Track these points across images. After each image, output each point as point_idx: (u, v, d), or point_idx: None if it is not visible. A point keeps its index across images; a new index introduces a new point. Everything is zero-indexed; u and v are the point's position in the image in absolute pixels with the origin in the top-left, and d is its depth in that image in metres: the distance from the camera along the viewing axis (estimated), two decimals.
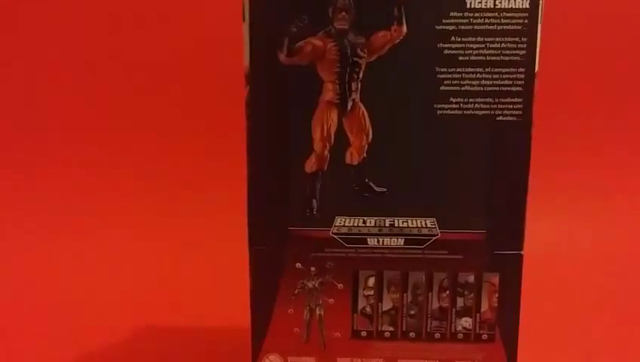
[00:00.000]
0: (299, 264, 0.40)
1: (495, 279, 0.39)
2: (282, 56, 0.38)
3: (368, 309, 0.40)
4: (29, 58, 0.76)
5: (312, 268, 0.40)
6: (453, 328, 0.40)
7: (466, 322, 0.40)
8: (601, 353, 0.52)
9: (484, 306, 0.40)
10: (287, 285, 0.40)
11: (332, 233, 0.39)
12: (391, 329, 0.40)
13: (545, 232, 0.73)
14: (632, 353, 0.53)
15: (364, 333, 0.41)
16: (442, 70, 0.37)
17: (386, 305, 0.40)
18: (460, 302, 0.40)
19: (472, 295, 0.40)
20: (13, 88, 0.77)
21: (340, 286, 0.40)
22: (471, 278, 0.40)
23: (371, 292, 0.40)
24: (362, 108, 0.38)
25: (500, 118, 0.38)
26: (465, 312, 0.40)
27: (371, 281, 0.40)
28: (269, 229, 0.40)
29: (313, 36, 0.38)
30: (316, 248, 0.40)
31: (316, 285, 0.40)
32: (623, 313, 0.61)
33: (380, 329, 0.41)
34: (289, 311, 0.41)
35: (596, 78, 0.78)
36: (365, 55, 0.38)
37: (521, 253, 0.39)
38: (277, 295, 0.41)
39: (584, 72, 0.78)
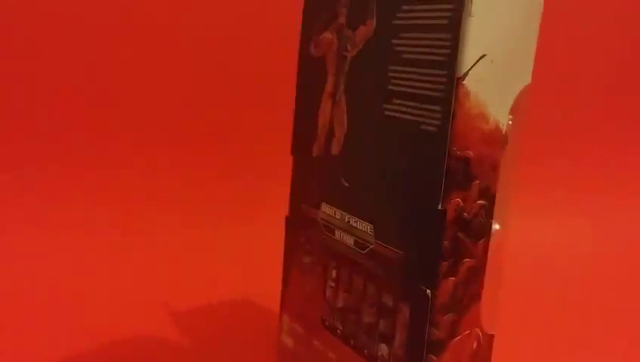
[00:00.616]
0: (302, 239, 0.44)
1: (406, 311, 0.34)
2: (312, 49, 0.42)
3: (331, 301, 0.41)
4: (38, 59, 0.75)
5: (307, 246, 0.43)
6: (375, 351, 0.36)
7: (384, 349, 0.36)
8: (599, 352, 0.52)
9: (398, 339, 0.35)
10: (296, 256, 0.44)
11: (319, 218, 0.41)
12: (341, 327, 0.40)
13: (544, 231, 0.73)
14: (631, 352, 0.51)
15: (327, 323, 0.41)
16: (392, 68, 0.35)
17: (340, 301, 0.40)
18: (382, 324, 0.36)
19: (389, 321, 0.35)
20: (22, 89, 0.76)
21: (319, 269, 0.42)
22: (390, 302, 0.35)
23: (333, 284, 0.40)
24: (344, 101, 0.39)
25: (423, 126, 0.32)
26: (383, 338, 0.36)
27: (334, 273, 0.40)
28: (293, 206, 0.45)
29: (327, 30, 0.40)
30: (311, 227, 0.42)
31: (308, 262, 0.43)
32: (622, 312, 0.59)
33: (333, 323, 0.40)
34: (297, 279, 0.45)
35: (602, 78, 0.76)
36: (350, 49, 0.38)
37: (427, 292, 0.32)
38: (292, 263, 0.45)
39: (591, 70, 0.76)
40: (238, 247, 0.71)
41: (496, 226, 0.35)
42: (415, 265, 0.33)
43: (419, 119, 0.32)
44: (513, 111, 0.33)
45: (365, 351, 0.37)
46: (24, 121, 0.74)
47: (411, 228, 0.33)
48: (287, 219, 0.45)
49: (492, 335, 0.37)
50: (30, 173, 0.75)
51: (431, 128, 0.32)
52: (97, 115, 0.75)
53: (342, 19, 0.39)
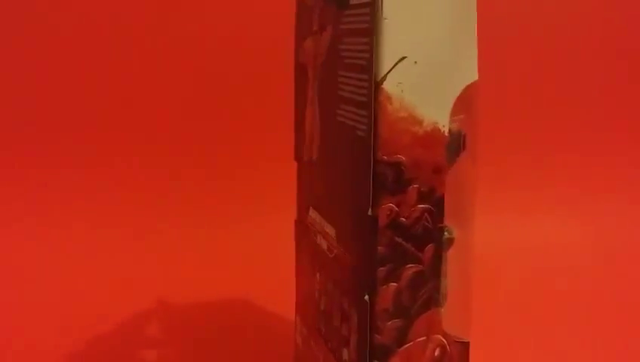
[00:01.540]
0: (302, 242, 0.45)
1: (355, 317, 0.34)
2: (299, 56, 0.43)
3: (317, 303, 0.41)
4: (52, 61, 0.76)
5: (305, 249, 0.44)
6: (341, 354, 0.37)
7: (346, 354, 0.36)
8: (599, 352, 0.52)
9: (352, 343, 0.35)
10: (299, 259, 0.46)
11: (309, 222, 0.42)
12: (323, 329, 0.40)
13: (542, 231, 0.73)
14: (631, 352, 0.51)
15: (316, 325, 0.42)
16: (339, 73, 0.35)
17: (322, 304, 0.40)
18: (343, 329, 0.36)
19: (346, 326, 0.35)
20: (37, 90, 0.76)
21: (311, 272, 0.42)
22: (347, 307, 0.35)
23: (318, 287, 0.41)
24: (317, 106, 0.39)
25: (358, 132, 0.32)
26: (345, 342, 0.36)
27: (318, 277, 0.41)
28: (298, 210, 0.46)
29: (308, 37, 0.41)
30: (306, 231, 0.43)
31: (306, 265, 0.44)
32: (621, 313, 0.59)
33: (319, 325, 0.41)
34: (301, 281, 0.46)
35: (602, 77, 0.76)
36: (319, 55, 0.39)
37: (365, 298, 0.32)
38: (298, 266, 0.46)
39: (591, 69, 0.76)
40: (238, 248, 0.72)
41: (453, 230, 0.34)
42: (359, 270, 0.33)
43: (356, 125, 0.32)
44: (459, 110, 0.32)
45: (336, 354, 0.38)
46: (22, 122, 0.74)
47: (355, 234, 0.33)
48: (295, 223, 0.46)
49: (466, 343, 0.36)
50: (30, 173, 0.75)
51: (362, 133, 0.32)
52: (97, 116, 0.75)
53: (315, 27, 0.39)
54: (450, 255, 0.34)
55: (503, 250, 0.73)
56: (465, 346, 0.35)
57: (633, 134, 0.80)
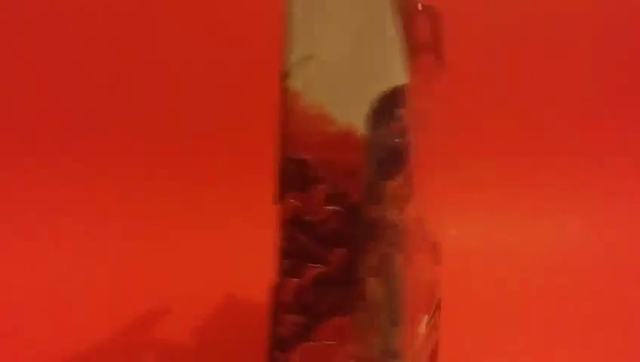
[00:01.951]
0: None
1: None
2: None
3: None
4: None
5: None
6: None
7: None
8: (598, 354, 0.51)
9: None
10: None
11: None
12: None
13: (540, 232, 0.72)
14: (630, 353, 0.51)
15: None
16: None
17: None
18: None
19: None
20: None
21: None
22: None
23: None
24: None
25: None
26: None
27: None
28: None
29: None
30: None
31: None
32: (620, 312, 0.58)
33: None
34: None
35: (600, 76, 0.75)
36: None
37: (271, 287, 0.33)
38: None
39: (589, 68, 0.75)
40: (238, 248, 0.70)
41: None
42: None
43: None
44: (385, 114, 0.31)
45: None
46: (22, 122, 0.75)
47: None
48: None
49: None
50: (28, 173, 0.75)
51: None
52: (97, 116, 0.75)
53: None
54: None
55: (502, 250, 0.70)
56: None
57: (634, 135, 0.77)
